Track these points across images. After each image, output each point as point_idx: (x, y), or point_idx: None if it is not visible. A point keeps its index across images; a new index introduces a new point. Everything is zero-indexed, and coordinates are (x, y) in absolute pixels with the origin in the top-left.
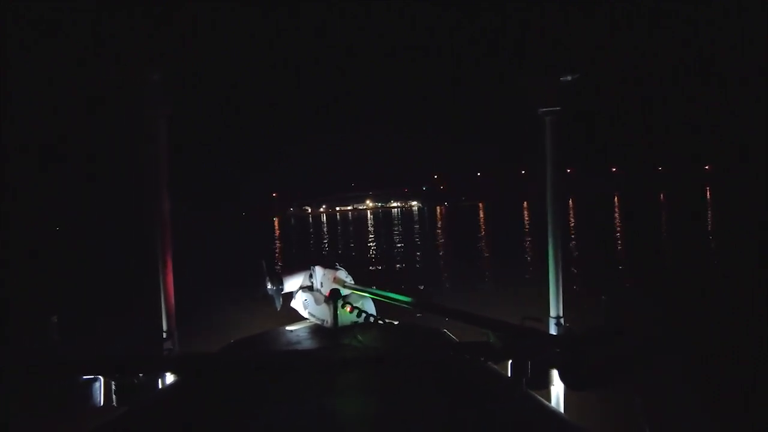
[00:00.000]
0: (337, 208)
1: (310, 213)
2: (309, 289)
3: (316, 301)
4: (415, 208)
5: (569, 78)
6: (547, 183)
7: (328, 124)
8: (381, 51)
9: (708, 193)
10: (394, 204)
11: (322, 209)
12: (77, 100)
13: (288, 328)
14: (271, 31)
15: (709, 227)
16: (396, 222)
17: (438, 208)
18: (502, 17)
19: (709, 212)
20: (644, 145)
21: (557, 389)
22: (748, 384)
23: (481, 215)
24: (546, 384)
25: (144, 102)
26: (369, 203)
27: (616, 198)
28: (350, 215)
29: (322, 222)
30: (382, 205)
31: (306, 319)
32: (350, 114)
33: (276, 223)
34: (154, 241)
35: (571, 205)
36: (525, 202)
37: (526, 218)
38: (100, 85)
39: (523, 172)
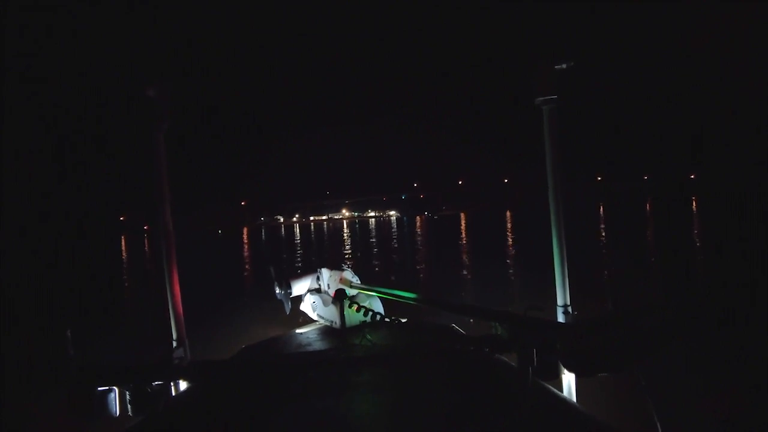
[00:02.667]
0: (312, 218)
1: (282, 223)
2: (317, 291)
3: (324, 303)
4: (394, 218)
5: (564, 66)
6: (548, 175)
7: (301, 126)
8: (359, 45)
9: (694, 203)
10: (372, 213)
11: (295, 219)
12: (77, 114)
13: (298, 331)
14: (258, 36)
15: (698, 241)
16: (374, 235)
17: (418, 217)
18: (492, 3)
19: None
20: (637, 152)
21: (568, 378)
22: (752, 369)
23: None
24: (556, 372)
25: (141, 116)
26: (345, 212)
27: (601, 208)
28: (325, 225)
29: (296, 238)
30: (358, 215)
31: (315, 321)
32: (326, 116)
33: (245, 236)
34: (159, 252)
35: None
36: (508, 212)
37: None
38: (100, 100)
39: (506, 180)
